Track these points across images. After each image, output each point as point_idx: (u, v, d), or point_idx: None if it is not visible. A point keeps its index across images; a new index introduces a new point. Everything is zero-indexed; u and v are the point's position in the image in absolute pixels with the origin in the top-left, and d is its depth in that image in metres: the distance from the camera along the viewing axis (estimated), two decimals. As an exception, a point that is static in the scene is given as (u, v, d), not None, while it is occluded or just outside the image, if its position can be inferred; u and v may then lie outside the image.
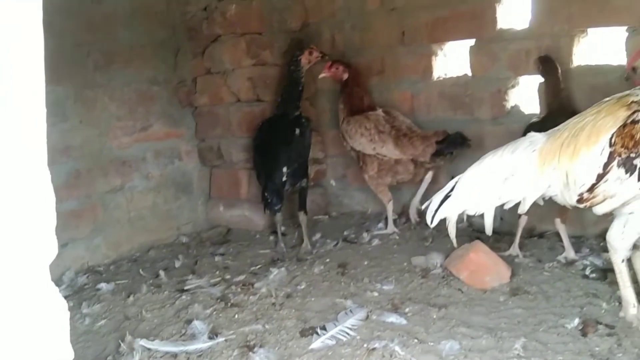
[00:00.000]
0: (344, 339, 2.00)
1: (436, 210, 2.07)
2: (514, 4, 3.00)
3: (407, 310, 2.22)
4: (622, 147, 1.82)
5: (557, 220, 2.63)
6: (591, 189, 1.90)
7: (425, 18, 3.26)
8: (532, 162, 1.99)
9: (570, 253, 2.61)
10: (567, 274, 2.44)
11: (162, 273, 2.81)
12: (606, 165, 1.85)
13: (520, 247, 2.72)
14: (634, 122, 1.81)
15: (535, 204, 2.09)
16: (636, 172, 1.81)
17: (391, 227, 3.25)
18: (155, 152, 3.46)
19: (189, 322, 2.21)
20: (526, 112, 3.00)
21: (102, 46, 3.14)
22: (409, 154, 3.10)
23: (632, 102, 1.87)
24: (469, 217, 2.21)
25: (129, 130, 3.31)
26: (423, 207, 2.20)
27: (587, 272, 2.43)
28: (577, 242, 2.76)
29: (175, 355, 1.99)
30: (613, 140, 1.83)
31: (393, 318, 2.12)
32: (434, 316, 2.15)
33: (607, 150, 1.84)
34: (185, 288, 2.60)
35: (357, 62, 3.48)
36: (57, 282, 2.19)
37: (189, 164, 3.67)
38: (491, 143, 2.71)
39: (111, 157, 3.23)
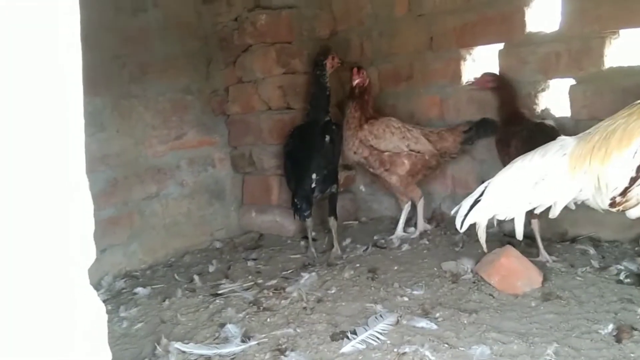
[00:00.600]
0: (375, 343, 2.02)
1: (466, 215, 2.07)
2: (543, 7, 2.97)
3: (437, 315, 2.21)
4: (654, 149, 1.79)
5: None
6: (624, 193, 1.88)
7: (453, 23, 3.26)
8: (562, 166, 1.98)
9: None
10: (601, 279, 2.40)
11: (196, 278, 2.87)
12: (639, 169, 1.82)
13: (551, 252, 2.69)
14: (666, 124, 1.79)
15: (566, 208, 2.07)
16: (670, 175, 1.78)
17: (422, 225, 3.28)
18: (189, 160, 3.54)
19: (222, 325, 2.25)
20: (557, 115, 2.97)
21: (137, 58, 3.23)
22: (441, 148, 3.22)
23: (665, 104, 1.84)
24: (499, 221, 2.20)
25: (163, 139, 3.39)
26: (452, 212, 2.20)
27: (622, 277, 2.39)
28: (611, 246, 2.72)
29: (209, 357, 2.04)
30: (645, 143, 1.81)
31: (423, 323, 2.13)
32: (465, 321, 2.14)
33: (640, 153, 1.82)
34: (219, 292, 2.65)
35: (385, 68, 3.48)
36: (96, 286, 2.27)
37: (222, 171, 3.73)
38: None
39: (147, 165, 3.31)
